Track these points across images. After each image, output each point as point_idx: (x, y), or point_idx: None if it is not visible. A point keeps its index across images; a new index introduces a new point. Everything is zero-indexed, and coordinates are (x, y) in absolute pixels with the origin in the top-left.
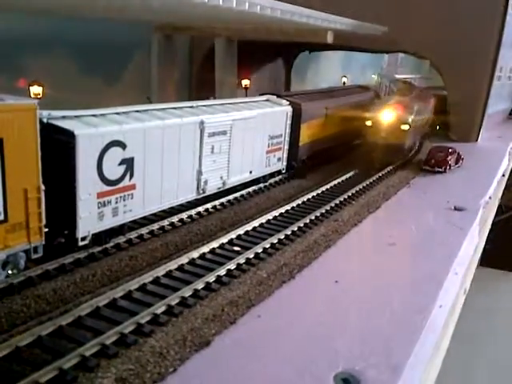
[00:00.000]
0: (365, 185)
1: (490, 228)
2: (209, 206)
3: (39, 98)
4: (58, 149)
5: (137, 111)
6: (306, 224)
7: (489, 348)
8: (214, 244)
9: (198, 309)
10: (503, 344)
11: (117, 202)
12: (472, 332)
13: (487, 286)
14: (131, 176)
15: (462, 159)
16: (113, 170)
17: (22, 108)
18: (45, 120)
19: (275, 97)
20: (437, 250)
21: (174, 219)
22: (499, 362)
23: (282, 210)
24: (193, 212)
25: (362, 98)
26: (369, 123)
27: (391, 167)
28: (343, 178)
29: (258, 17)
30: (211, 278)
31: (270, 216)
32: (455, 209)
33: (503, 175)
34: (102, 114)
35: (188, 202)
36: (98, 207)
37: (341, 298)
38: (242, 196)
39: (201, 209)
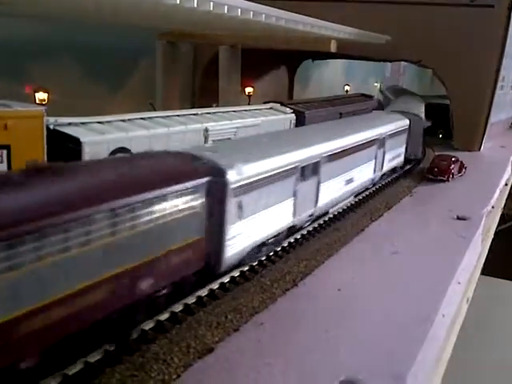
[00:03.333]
0: None
1: (493, 237)
2: None
3: (44, 104)
4: (64, 155)
5: (142, 118)
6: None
7: (492, 357)
8: None
9: (202, 316)
10: (506, 353)
11: None
12: (475, 341)
13: (490, 295)
14: None
15: (465, 168)
16: None
17: (29, 115)
18: (51, 127)
19: (279, 105)
20: (439, 258)
21: None
22: (503, 371)
23: None
24: None
25: (365, 107)
26: None
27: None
28: None
29: (263, 25)
30: (215, 285)
31: None
32: (458, 218)
33: (506, 184)
34: (107, 121)
35: None
36: None
37: (343, 306)
38: None
39: None
